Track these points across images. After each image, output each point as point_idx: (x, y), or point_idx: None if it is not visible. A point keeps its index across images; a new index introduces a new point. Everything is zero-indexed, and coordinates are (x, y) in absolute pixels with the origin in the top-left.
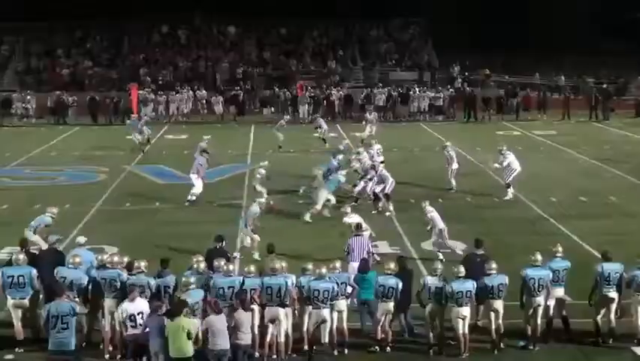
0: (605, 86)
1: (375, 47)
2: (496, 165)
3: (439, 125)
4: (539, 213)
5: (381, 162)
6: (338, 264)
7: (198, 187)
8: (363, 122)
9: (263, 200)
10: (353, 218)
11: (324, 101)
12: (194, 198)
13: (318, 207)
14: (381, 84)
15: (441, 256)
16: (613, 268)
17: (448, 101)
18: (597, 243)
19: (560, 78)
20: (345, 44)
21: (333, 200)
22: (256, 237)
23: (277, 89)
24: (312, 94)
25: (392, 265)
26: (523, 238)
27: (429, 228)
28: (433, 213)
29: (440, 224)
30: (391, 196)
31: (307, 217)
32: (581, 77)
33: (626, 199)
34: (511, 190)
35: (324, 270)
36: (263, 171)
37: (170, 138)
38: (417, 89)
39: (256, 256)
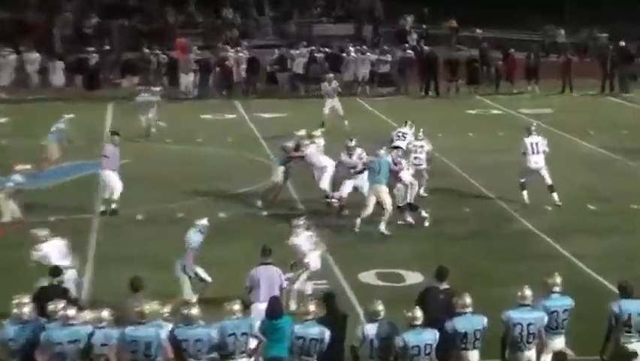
0: (623, 44)
1: None
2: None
3: (385, 100)
4: (529, 228)
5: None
6: (237, 306)
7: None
8: (323, 93)
9: (205, 223)
10: (299, 238)
11: (217, 68)
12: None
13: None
14: (305, 42)
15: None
16: (635, 307)
17: (397, 66)
18: (611, 271)
19: (558, 32)
20: None
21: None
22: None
23: (147, 50)
24: (199, 57)
25: (313, 308)
26: (505, 265)
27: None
28: (299, 237)
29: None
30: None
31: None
32: (590, 32)
33: None
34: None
35: (194, 310)
36: None
37: None
38: (353, 50)
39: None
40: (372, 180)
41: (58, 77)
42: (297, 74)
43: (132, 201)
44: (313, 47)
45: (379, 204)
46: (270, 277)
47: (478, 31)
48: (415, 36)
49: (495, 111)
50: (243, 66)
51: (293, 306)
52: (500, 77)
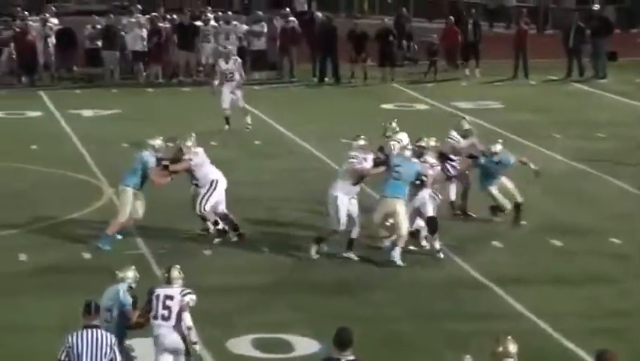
0: (597, 7)
1: None
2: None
3: (263, 90)
4: (468, 273)
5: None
6: None
7: None
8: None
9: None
10: None
11: (12, 43)
12: None
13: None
14: (140, 7)
15: None
16: None
17: (277, 41)
18: (586, 336)
19: None
20: None
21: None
22: None
23: None
24: None
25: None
26: (435, 325)
27: None
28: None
29: None
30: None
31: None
32: None
33: None
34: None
35: None
36: None
37: None
38: (212, 18)
39: None
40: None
41: None
42: (135, 52)
43: None
44: (155, 14)
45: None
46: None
47: None
48: None
49: (420, 106)
50: (52, 40)
51: None
52: (426, 56)
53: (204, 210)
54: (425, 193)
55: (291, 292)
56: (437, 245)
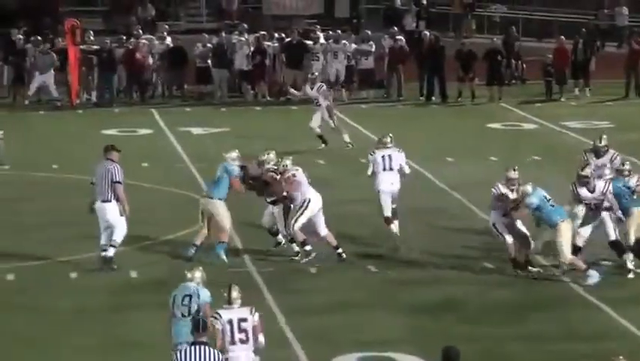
0: None
1: None
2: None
3: (370, 108)
4: (580, 295)
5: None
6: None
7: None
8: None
9: None
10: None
11: (125, 62)
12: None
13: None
14: (247, 26)
15: None
16: None
17: (385, 60)
18: None
19: (619, 13)
20: None
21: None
22: None
23: (20, 36)
24: (99, 46)
25: None
26: (547, 346)
27: None
28: None
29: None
30: None
31: None
32: None
33: None
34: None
35: None
36: None
37: None
38: (321, 37)
39: None
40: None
41: None
42: (241, 70)
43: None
44: (263, 32)
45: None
46: None
47: (501, 9)
48: (410, 16)
49: (529, 125)
50: (163, 59)
51: None
52: (550, 75)
53: (293, 229)
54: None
55: (397, 310)
56: (629, 265)
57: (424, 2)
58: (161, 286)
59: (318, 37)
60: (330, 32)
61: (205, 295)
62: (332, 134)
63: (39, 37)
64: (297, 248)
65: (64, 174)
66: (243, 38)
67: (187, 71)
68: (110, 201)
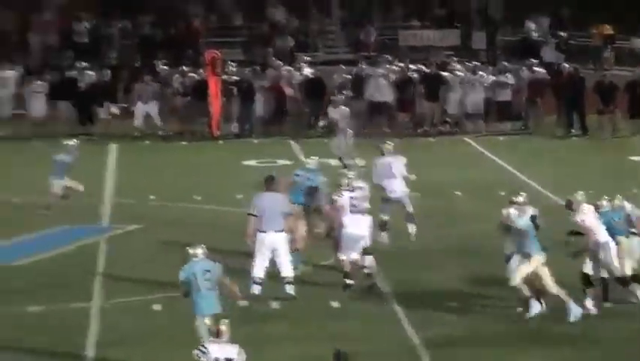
0: None
1: None
2: None
3: (507, 140)
4: None
5: None
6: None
7: None
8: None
9: None
10: None
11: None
12: None
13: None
14: (388, 56)
15: None
16: None
17: (525, 91)
18: None
19: None
20: None
21: None
22: None
23: (164, 67)
24: (239, 77)
25: None
26: None
27: None
28: None
29: None
30: None
31: None
32: None
33: None
34: None
35: None
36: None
37: None
38: (459, 68)
39: None
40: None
41: (37, 105)
42: (377, 102)
43: (148, 285)
44: (401, 64)
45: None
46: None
47: None
48: (549, 48)
49: None
50: (300, 91)
51: None
52: None
53: (340, 258)
54: None
55: (536, 343)
56: None
57: (563, 34)
58: (300, 317)
59: (455, 69)
60: (467, 64)
61: (219, 268)
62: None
63: (184, 68)
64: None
65: (206, 205)
66: (380, 70)
67: (325, 101)
68: (282, 231)
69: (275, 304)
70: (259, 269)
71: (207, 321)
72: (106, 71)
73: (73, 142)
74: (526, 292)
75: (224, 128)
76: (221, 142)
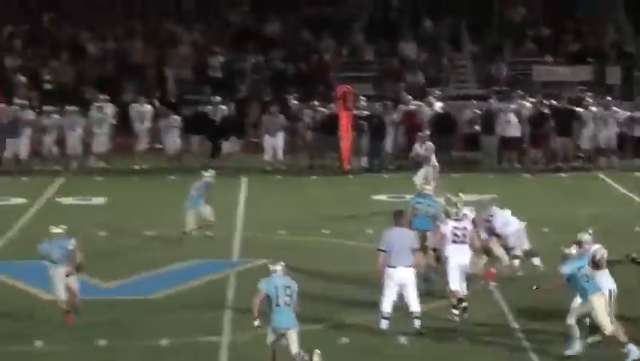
0: None
1: (503, 14)
2: None
3: None
4: None
5: None
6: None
7: None
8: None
9: None
10: None
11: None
12: None
13: None
14: (520, 92)
15: None
16: None
17: None
18: None
19: None
20: (435, 9)
21: None
22: None
23: (295, 102)
24: (369, 112)
25: None
26: None
27: None
28: None
29: None
30: None
31: None
32: None
33: None
34: None
35: None
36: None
37: (69, 202)
38: (592, 103)
39: None
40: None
41: (172, 139)
42: (508, 137)
43: None
44: (533, 99)
45: None
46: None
47: None
48: None
49: None
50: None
51: None
52: None
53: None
54: None
55: None
56: None
57: None
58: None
59: (589, 104)
60: (601, 99)
61: (296, 285)
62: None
63: (315, 102)
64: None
65: (335, 239)
66: (512, 105)
67: (455, 137)
68: (410, 266)
69: (403, 340)
70: (387, 304)
71: (278, 336)
72: (234, 104)
73: (209, 173)
74: (621, 337)
75: (354, 162)
76: (351, 176)
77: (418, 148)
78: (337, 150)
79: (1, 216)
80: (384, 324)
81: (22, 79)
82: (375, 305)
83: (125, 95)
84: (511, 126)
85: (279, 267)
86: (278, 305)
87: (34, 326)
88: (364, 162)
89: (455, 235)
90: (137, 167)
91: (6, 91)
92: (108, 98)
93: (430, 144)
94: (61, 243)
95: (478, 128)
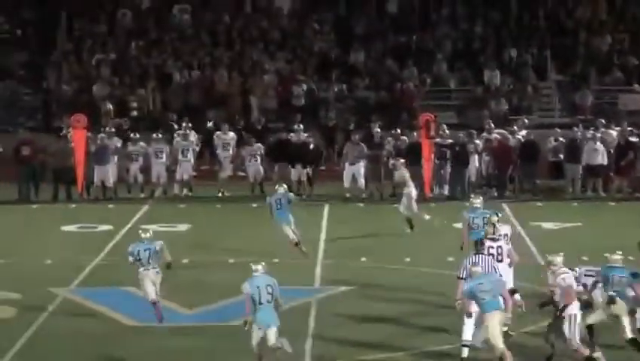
0: None
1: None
2: None
3: None
4: None
5: None
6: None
7: None
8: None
9: None
10: None
11: (481, 154)
12: None
13: None
14: (603, 120)
15: None
16: None
17: None
18: None
19: None
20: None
21: None
22: None
23: (378, 130)
24: (451, 141)
25: None
26: None
27: None
28: None
29: None
30: None
31: None
32: None
33: None
34: None
35: None
36: None
37: (153, 229)
38: None
39: None
40: None
41: (255, 166)
42: (593, 165)
43: (357, 347)
44: (618, 127)
45: None
46: None
47: None
48: None
49: None
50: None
51: None
52: None
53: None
54: None
55: None
56: None
57: None
58: None
59: None
60: None
61: (277, 283)
62: None
63: (397, 130)
64: None
65: (416, 267)
66: (597, 133)
67: (539, 165)
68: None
69: None
70: (467, 332)
71: (262, 333)
72: (318, 133)
73: (279, 186)
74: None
75: (436, 190)
76: (432, 205)
77: (402, 173)
78: (419, 178)
79: (88, 243)
80: (464, 353)
81: (110, 107)
82: (455, 333)
83: (208, 123)
84: (598, 154)
85: (259, 266)
86: (261, 303)
87: (118, 349)
88: (446, 190)
89: (491, 254)
90: (219, 194)
91: (94, 119)
92: (192, 125)
93: (404, 170)
94: (149, 245)
95: (562, 156)
